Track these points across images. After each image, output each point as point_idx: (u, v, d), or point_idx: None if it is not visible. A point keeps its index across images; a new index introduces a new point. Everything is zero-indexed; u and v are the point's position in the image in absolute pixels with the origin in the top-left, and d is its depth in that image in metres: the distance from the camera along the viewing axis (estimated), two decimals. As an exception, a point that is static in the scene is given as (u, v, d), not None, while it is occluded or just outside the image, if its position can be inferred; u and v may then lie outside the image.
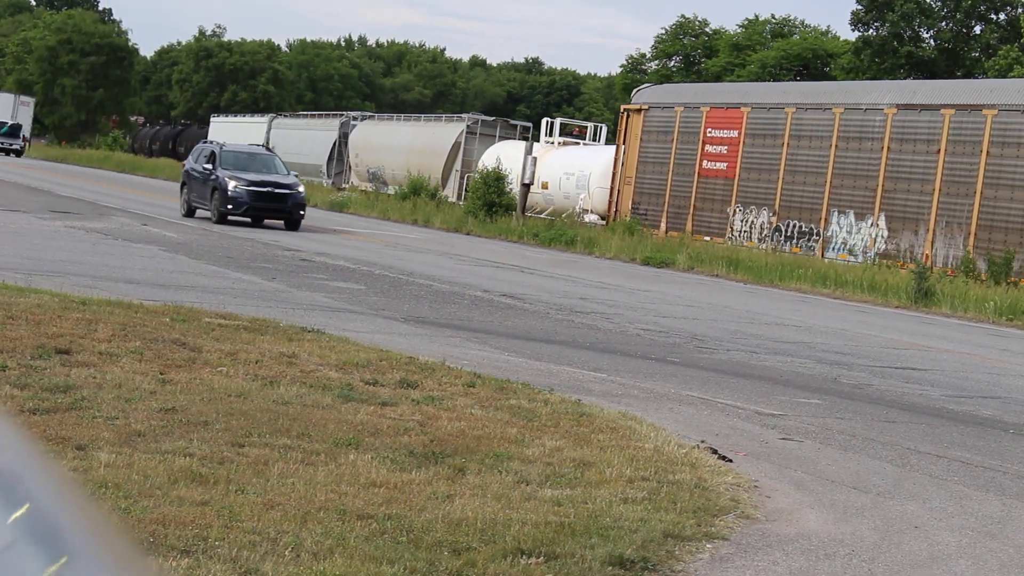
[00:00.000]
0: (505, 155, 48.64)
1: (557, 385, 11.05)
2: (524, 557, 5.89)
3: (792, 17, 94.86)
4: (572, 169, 47.15)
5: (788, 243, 37.82)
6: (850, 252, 35.81)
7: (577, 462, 7.88)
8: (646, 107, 44.25)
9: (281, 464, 7.03)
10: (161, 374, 9.19)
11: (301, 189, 32.89)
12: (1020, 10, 67.82)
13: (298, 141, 67.36)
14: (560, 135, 51.73)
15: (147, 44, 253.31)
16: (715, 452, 8.87)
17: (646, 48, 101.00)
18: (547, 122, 52.55)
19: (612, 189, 44.77)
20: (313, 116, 73.92)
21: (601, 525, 6.51)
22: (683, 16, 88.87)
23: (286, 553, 5.55)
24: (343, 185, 62.71)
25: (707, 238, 39.73)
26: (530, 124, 57.85)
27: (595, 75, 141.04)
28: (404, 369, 10.57)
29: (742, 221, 39.73)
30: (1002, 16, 69.84)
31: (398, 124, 61.98)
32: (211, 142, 35.96)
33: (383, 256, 26.51)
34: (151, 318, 11.85)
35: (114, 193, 43.49)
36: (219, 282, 17.79)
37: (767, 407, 11.47)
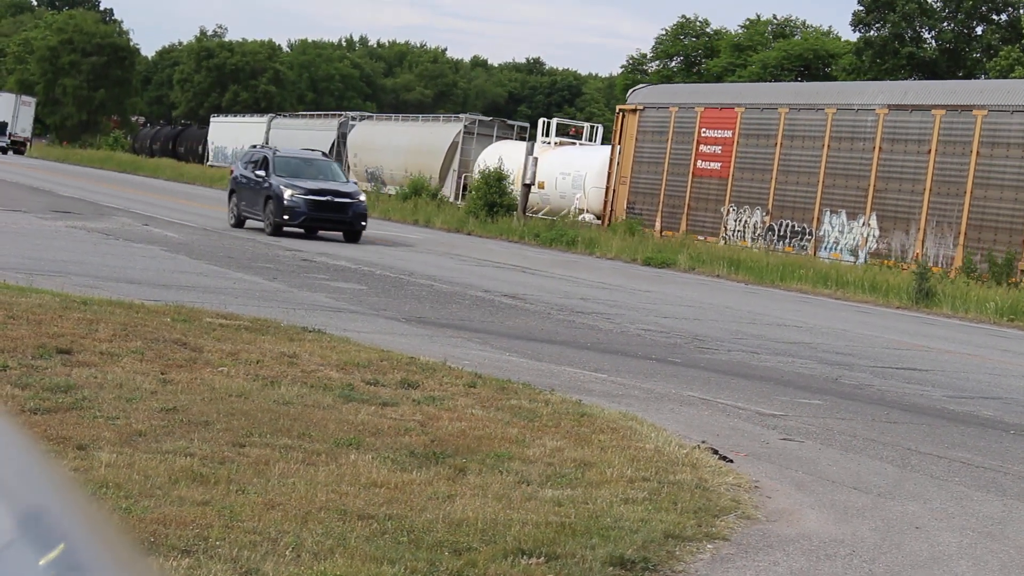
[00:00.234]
0: (503, 155, 48.66)
1: (558, 385, 11.05)
2: (525, 557, 5.89)
3: (793, 18, 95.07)
4: (568, 169, 47.16)
5: (781, 243, 37.83)
6: (842, 252, 35.83)
7: (578, 462, 7.88)
8: (641, 107, 44.25)
9: (282, 464, 7.03)
10: (162, 374, 9.19)
11: (362, 198, 30.80)
12: (1022, 11, 67.83)
13: (297, 141, 67.33)
14: (556, 135, 51.77)
15: (148, 44, 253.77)
16: (716, 452, 8.86)
17: (647, 48, 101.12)
18: (544, 122, 52.58)
19: (608, 189, 44.77)
20: (312, 116, 73.96)
21: (602, 525, 6.51)
22: (684, 16, 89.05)
23: (287, 553, 5.55)
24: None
25: (701, 238, 39.73)
26: (527, 124, 57.84)
27: (596, 75, 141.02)
28: (405, 369, 10.57)
29: (736, 221, 39.74)
30: (1003, 17, 69.87)
31: (396, 124, 62.01)
32: (262, 147, 34.98)
33: (384, 256, 26.52)
34: (152, 318, 11.85)
35: (115, 193, 43.50)
36: (220, 282, 17.80)
37: (768, 407, 11.46)
